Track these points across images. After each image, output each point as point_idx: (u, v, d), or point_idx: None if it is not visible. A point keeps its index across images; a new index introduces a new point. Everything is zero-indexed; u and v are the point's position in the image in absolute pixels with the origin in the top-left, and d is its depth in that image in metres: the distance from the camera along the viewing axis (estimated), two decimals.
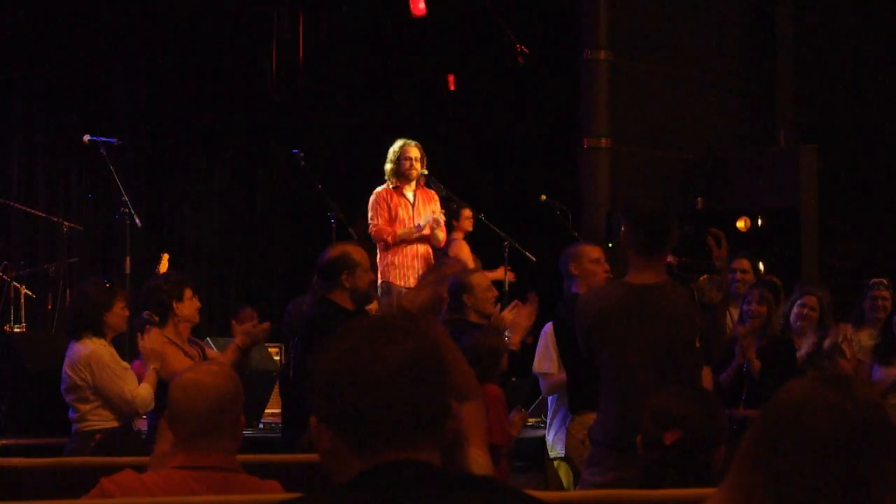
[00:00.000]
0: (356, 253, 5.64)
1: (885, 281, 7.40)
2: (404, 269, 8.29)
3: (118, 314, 5.74)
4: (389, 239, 8.34)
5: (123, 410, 5.61)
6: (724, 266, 4.54)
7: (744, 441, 1.82)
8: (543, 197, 8.99)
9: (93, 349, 5.62)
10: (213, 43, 11.19)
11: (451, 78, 10.87)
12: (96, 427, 5.60)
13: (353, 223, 8.79)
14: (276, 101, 11.48)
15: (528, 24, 10.72)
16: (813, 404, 1.76)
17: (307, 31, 11.53)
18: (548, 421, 6.87)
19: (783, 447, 1.75)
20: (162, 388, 5.41)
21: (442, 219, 8.57)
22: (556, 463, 6.75)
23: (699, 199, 10.45)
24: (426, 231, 8.39)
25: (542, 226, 9.35)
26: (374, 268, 8.56)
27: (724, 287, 4.44)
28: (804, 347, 6.63)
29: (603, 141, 10.77)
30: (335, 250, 5.62)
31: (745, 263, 7.24)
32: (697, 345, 4.30)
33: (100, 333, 5.68)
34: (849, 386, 1.79)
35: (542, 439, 7.09)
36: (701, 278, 4.42)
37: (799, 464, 1.73)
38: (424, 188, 8.56)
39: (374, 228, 8.40)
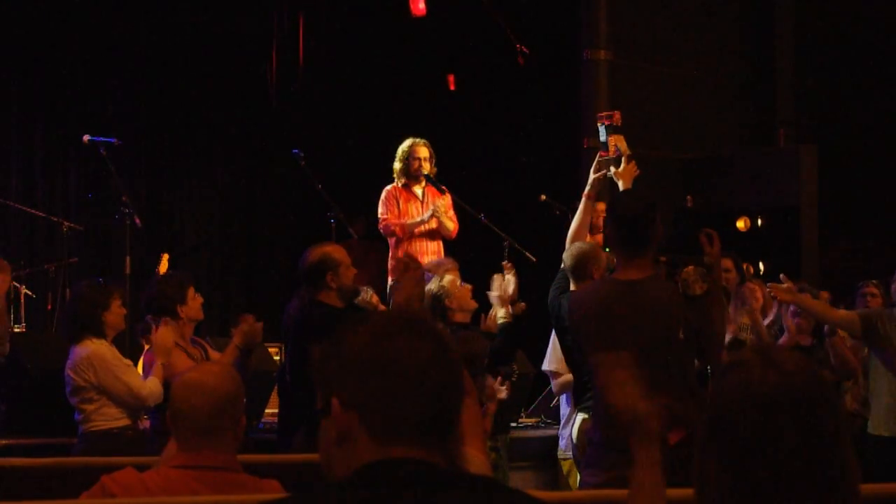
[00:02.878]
0: (336, 252, 5.65)
1: (874, 281, 7.47)
2: None
3: (116, 313, 5.73)
4: (399, 231, 8.36)
5: (132, 404, 5.61)
6: (714, 263, 4.54)
7: (698, 433, 1.84)
8: (543, 197, 8.97)
9: (93, 349, 5.62)
10: (214, 43, 11.18)
11: (451, 78, 10.87)
12: (102, 427, 5.60)
13: (353, 223, 8.79)
14: (276, 101, 11.49)
15: (528, 24, 10.72)
16: (738, 382, 1.80)
17: (307, 31, 11.54)
18: (562, 421, 6.90)
19: (725, 427, 1.79)
20: (165, 388, 5.43)
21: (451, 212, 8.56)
22: (567, 462, 6.78)
23: (689, 197, 10.46)
24: (433, 224, 8.39)
25: (542, 226, 9.34)
26: (381, 266, 8.58)
27: (709, 280, 4.43)
28: (803, 343, 6.67)
29: None
30: (315, 253, 5.62)
31: (728, 262, 7.26)
32: (681, 336, 4.30)
33: (100, 334, 5.68)
34: (769, 353, 1.81)
35: (552, 438, 7.13)
36: (685, 270, 4.42)
37: (741, 440, 1.76)
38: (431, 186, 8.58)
39: (383, 223, 8.42)
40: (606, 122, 5.97)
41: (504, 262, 6.90)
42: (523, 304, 6.89)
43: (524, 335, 6.87)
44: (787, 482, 1.73)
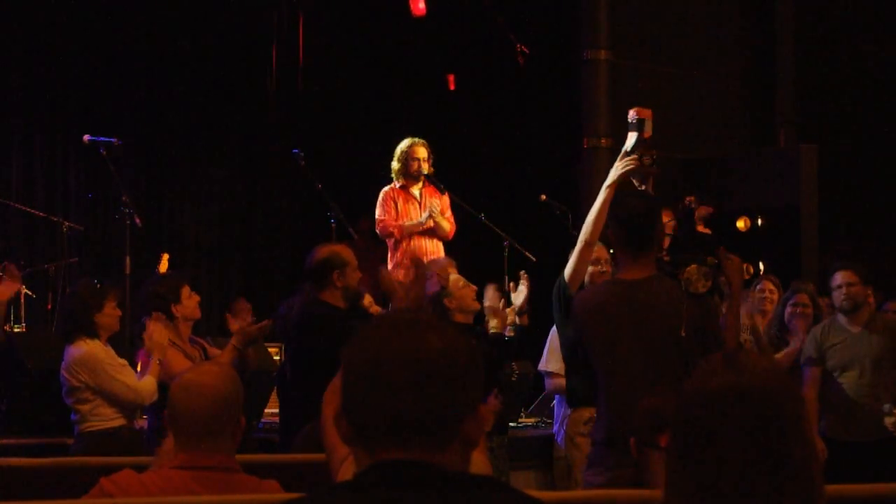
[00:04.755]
0: (344, 252, 5.66)
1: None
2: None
3: (109, 314, 5.72)
4: (396, 233, 8.36)
5: (128, 403, 5.61)
6: (734, 277, 4.54)
7: (669, 438, 1.86)
8: (543, 197, 8.98)
9: (87, 349, 5.62)
10: (214, 43, 11.19)
11: (451, 78, 10.87)
12: (98, 427, 5.60)
13: (354, 223, 8.79)
14: (276, 101, 11.48)
15: (528, 24, 10.72)
16: (698, 383, 1.82)
17: (307, 31, 11.53)
18: (557, 420, 6.90)
19: (684, 426, 1.81)
20: (163, 388, 5.42)
21: (448, 212, 8.55)
22: (565, 461, 6.79)
23: (692, 197, 10.46)
24: (430, 224, 8.39)
25: (542, 226, 9.34)
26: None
27: (712, 277, 4.43)
28: (795, 342, 6.63)
29: (603, 141, 10.76)
30: (323, 251, 5.63)
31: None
32: (683, 334, 4.29)
33: (93, 335, 5.67)
34: (738, 359, 1.83)
35: (550, 438, 7.13)
36: (689, 268, 4.42)
37: (709, 447, 1.76)
38: (430, 185, 8.58)
39: (380, 225, 8.42)
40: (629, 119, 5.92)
41: (520, 273, 6.83)
42: (525, 317, 6.82)
43: (520, 348, 6.81)
44: (742, 479, 1.74)
